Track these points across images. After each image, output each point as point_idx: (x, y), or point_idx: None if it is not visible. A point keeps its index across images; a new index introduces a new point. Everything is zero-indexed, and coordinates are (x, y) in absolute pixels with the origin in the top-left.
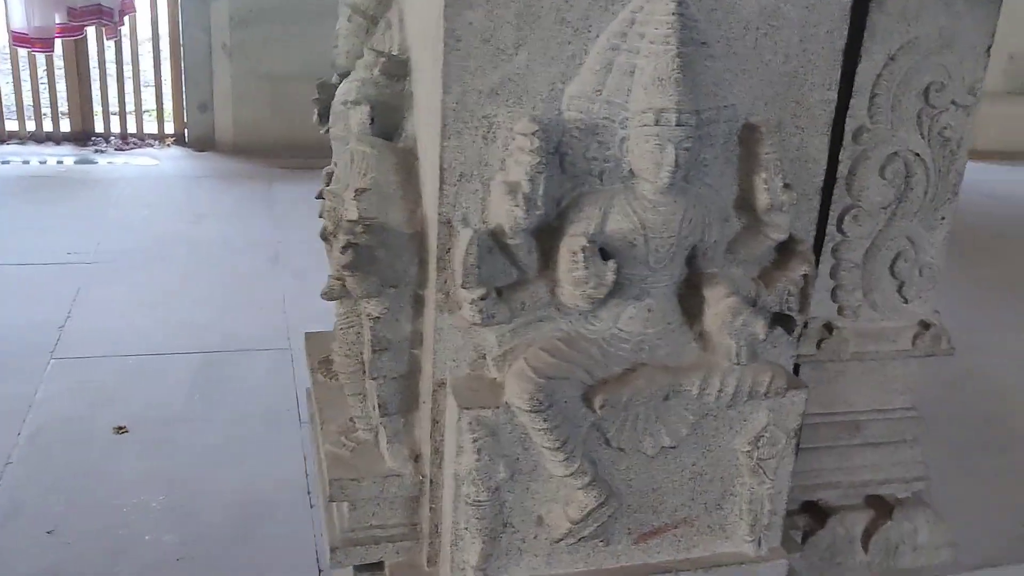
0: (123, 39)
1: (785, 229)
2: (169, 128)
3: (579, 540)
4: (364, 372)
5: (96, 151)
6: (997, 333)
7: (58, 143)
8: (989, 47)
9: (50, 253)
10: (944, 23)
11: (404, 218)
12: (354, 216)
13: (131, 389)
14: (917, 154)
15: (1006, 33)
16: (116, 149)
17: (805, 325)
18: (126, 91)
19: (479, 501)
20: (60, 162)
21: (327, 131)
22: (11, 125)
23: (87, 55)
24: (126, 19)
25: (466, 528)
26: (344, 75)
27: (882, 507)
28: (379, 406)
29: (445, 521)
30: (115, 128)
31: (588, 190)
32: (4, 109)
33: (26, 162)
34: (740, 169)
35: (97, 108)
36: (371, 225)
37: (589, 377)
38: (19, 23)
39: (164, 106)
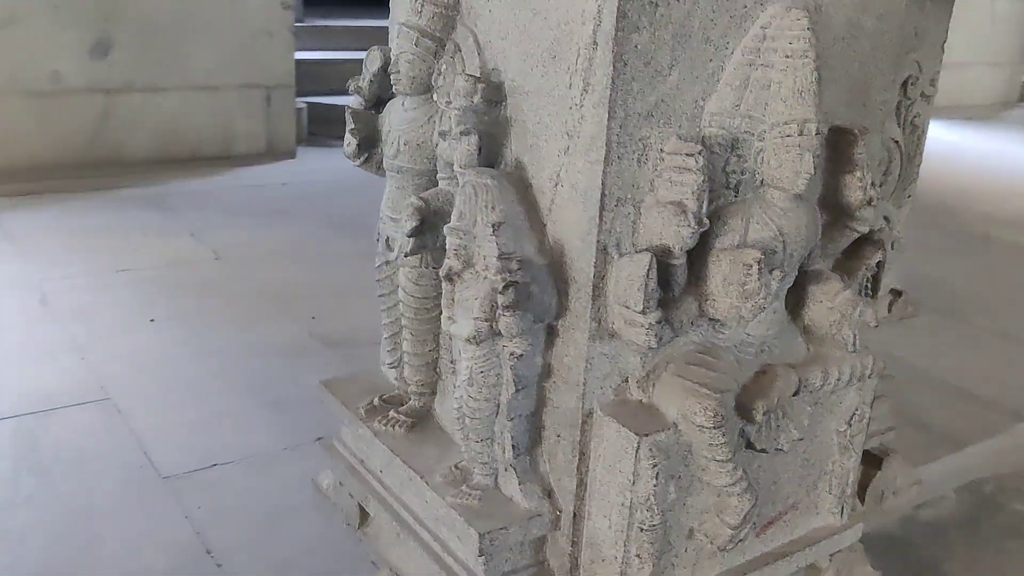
0: None
1: (872, 223)
2: None
3: (737, 544)
4: (497, 414)
5: None
6: None
7: None
8: (944, 42)
9: None
10: (918, 22)
11: (535, 249)
12: (494, 252)
13: None
14: (896, 141)
15: None
16: None
17: None
18: None
19: (653, 526)
20: None
21: (364, 162)
22: None
23: None
24: None
25: (638, 555)
26: (376, 102)
27: (870, 459)
28: (513, 447)
29: (606, 551)
30: None
31: (724, 203)
32: None
33: None
34: (827, 170)
35: None
36: (522, 260)
37: (736, 386)
38: None
39: None
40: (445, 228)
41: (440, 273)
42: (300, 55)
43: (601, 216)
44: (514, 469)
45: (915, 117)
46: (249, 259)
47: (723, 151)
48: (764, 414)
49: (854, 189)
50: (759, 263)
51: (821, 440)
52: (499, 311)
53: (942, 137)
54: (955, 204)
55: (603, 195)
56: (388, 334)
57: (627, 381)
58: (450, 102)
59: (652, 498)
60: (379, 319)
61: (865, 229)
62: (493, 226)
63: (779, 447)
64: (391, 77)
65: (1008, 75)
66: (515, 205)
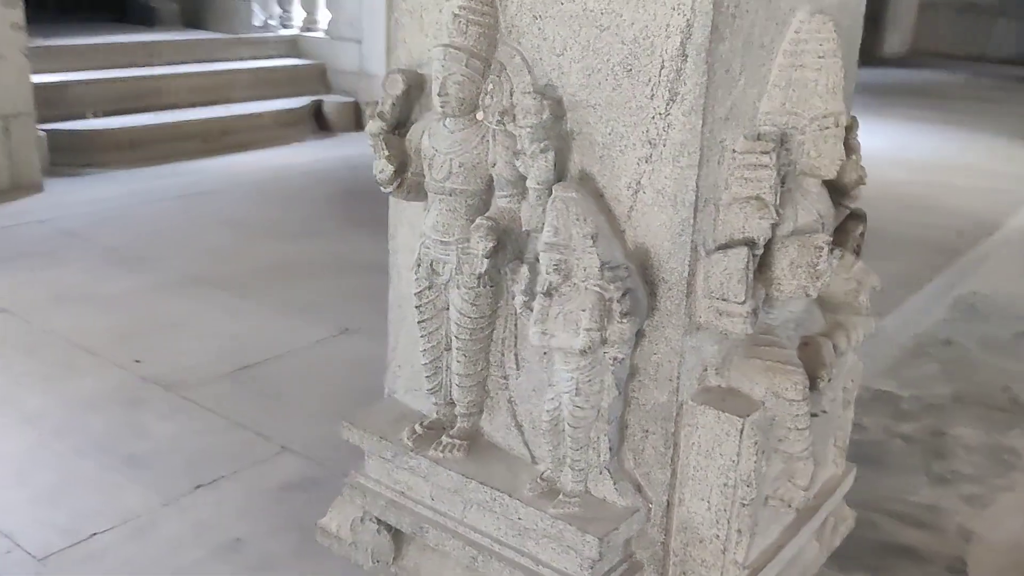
0: None
1: (859, 199)
2: None
3: (806, 503)
4: (597, 420)
5: None
6: None
7: None
8: None
9: None
10: None
11: (623, 254)
12: (596, 263)
13: None
14: None
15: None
16: None
17: None
18: None
19: (752, 500)
20: None
21: (397, 187)
22: None
23: None
24: None
25: (738, 530)
26: (396, 124)
27: None
28: (609, 448)
29: (705, 532)
30: None
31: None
32: None
33: None
34: None
35: None
36: (628, 267)
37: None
38: None
39: None
40: (542, 244)
41: (538, 290)
42: (35, 79)
43: (695, 217)
44: (608, 470)
45: None
46: (35, 307)
47: (776, 147)
48: (828, 382)
49: (850, 171)
50: (828, 245)
51: (835, 399)
52: (616, 319)
53: None
54: None
55: (697, 196)
56: (428, 359)
57: (706, 370)
58: (500, 121)
59: (752, 474)
60: (209, 353)
61: (853, 205)
62: (592, 237)
63: (824, 409)
64: (438, 99)
65: None
66: (600, 215)
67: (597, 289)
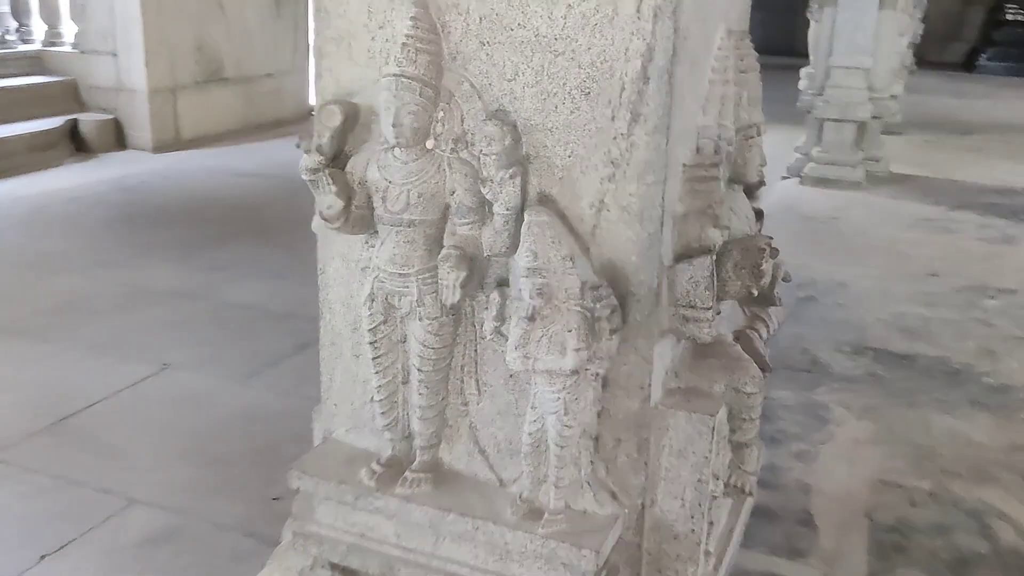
0: None
1: (759, 199)
2: None
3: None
4: (582, 436)
5: None
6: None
7: None
8: None
9: None
10: None
11: (592, 271)
12: (576, 284)
13: None
14: None
15: (194, 27)
16: None
17: None
18: None
19: (720, 492)
20: None
21: (344, 222)
22: None
23: None
24: None
25: (710, 522)
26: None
27: None
28: (590, 462)
29: (680, 528)
30: None
31: None
32: None
33: None
34: None
35: None
36: (603, 286)
37: None
38: None
39: None
40: (522, 270)
41: (520, 314)
42: None
43: (661, 231)
44: (588, 483)
45: None
46: None
47: (721, 159)
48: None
49: (754, 171)
50: (769, 246)
51: None
52: (605, 336)
53: None
54: None
55: (663, 212)
56: (384, 395)
57: (666, 374)
58: (454, 149)
59: (719, 468)
60: (16, 408)
61: (758, 205)
62: (571, 259)
63: None
64: (392, 130)
65: None
66: (568, 236)
67: (579, 309)
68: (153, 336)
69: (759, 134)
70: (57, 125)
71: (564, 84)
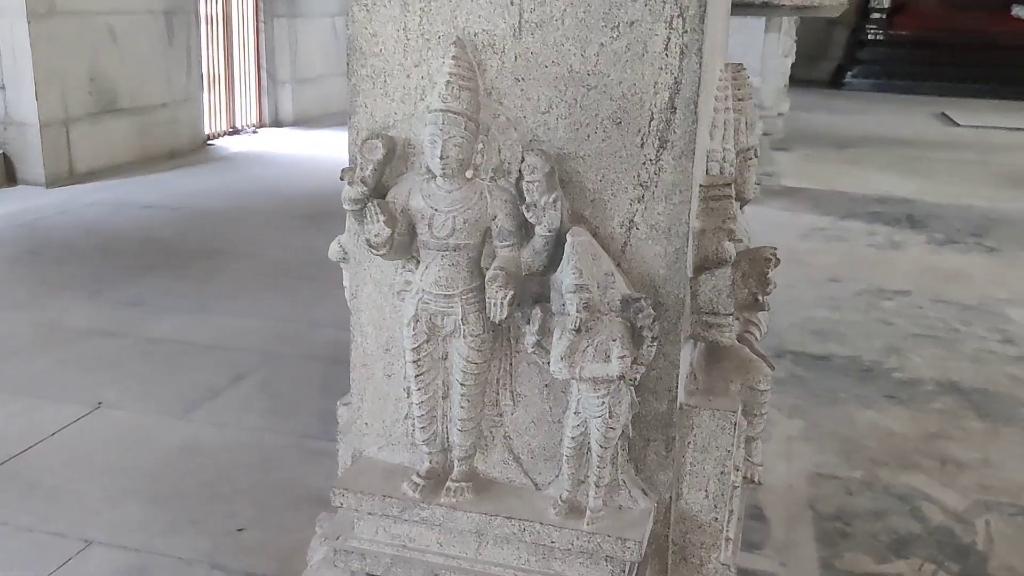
0: None
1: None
2: None
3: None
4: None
5: None
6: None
7: None
8: None
9: None
10: None
11: (625, 284)
12: (617, 296)
13: None
14: None
15: (86, 57)
16: None
17: None
18: None
19: (739, 482)
20: None
21: (390, 250)
22: None
23: None
24: None
25: (731, 511)
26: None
27: None
28: (627, 460)
29: (704, 518)
30: None
31: None
32: None
33: None
34: None
35: None
36: (643, 298)
37: None
38: None
39: None
40: (570, 286)
41: (569, 327)
42: None
43: (687, 245)
44: (624, 481)
45: None
46: None
47: (733, 180)
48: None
49: (751, 191)
50: (775, 256)
51: None
52: (647, 342)
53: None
54: None
55: (688, 229)
56: (424, 411)
57: (687, 377)
58: (493, 177)
59: (738, 461)
60: None
61: None
62: (611, 274)
63: None
64: (439, 162)
65: None
66: (604, 253)
67: (621, 320)
68: (79, 375)
69: (756, 156)
70: None
71: (596, 115)
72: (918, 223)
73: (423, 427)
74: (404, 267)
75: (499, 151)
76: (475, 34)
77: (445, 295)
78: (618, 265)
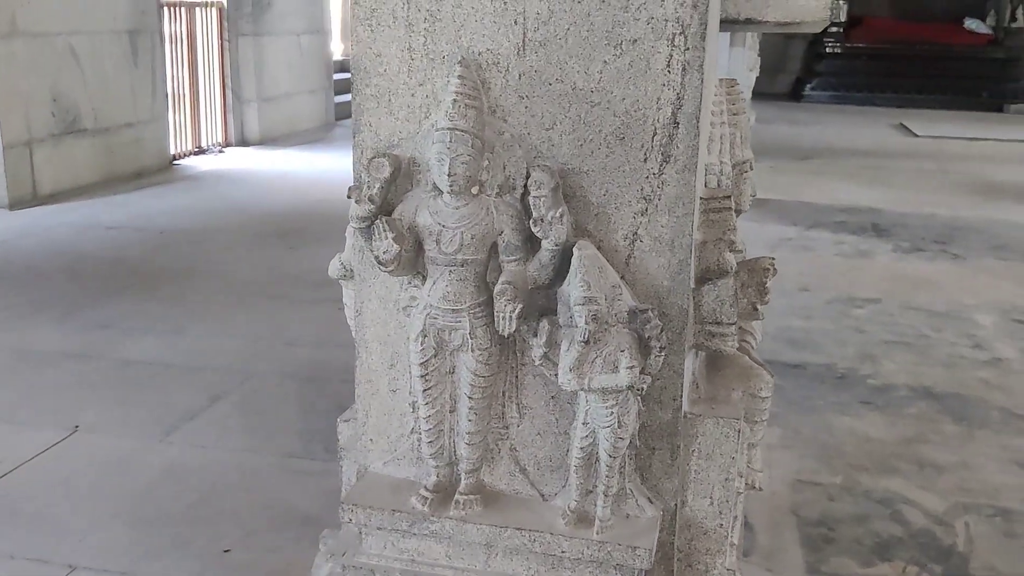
0: None
1: None
2: None
3: None
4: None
5: None
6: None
7: None
8: None
9: None
10: None
11: (630, 295)
12: (624, 308)
13: None
14: None
15: (48, 78)
16: None
17: None
18: None
19: (743, 488)
20: None
21: (398, 266)
22: None
23: None
24: None
25: (735, 516)
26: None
27: None
28: (635, 469)
29: (709, 524)
30: None
31: None
32: None
33: None
34: None
35: None
36: (649, 309)
37: None
38: None
39: None
40: (578, 298)
41: (577, 338)
42: None
43: (691, 257)
44: (631, 490)
45: None
46: None
47: (731, 192)
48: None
49: (747, 204)
50: (774, 267)
51: None
52: (655, 352)
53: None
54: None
55: (691, 241)
56: (432, 424)
57: (689, 386)
58: (499, 193)
59: (741, 467)
60: None
61: None
62: (617, 286)
63: None
64: (447, 179)
65: (323, 100)
66: (609, 265)
67: (628, 331)
68: (54, 399)
69: (751, 168)
70: None
71: (600, 131)
72: (884, 232)
73: (430, 441)
74: (410, 283)
75: (504, 167)
76: (479, 53)
77: (453, 310)
78: (622, 277)
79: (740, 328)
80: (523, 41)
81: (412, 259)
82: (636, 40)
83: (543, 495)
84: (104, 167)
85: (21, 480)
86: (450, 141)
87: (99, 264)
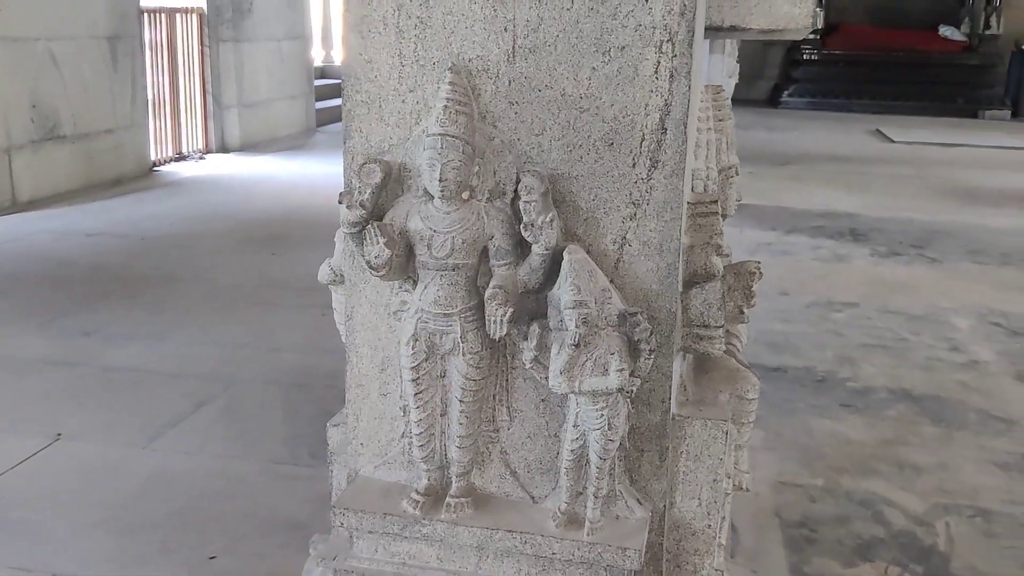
0: None
1: None
2: None
3: None
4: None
5: None
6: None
7: None
8: None
9: None
10: None
11: (619, 299)
12: (615, 311)
13: None
14: None
15: (27, 84)
16: None
17: None
18: None
19: (731, 489)
20: None
21: (389, 271)
22: None
23: None
24: None
25: (723, 517)
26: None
27: None
28: (625, 471)
29: (697, 525)
30: None
31: None
32: None
33: None
34: None
35: None
36: (639, 312)
37: None
38: None
39: None
40: (568, 302)
41: (568, 342)
42: None
43: (679, 261)
44: (621, 492)
45: None
46: None
47: (719, 197)
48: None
49: (733, 208)
50: (759, 270)
51: None
52: (644, 355)
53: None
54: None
55: (680, 245)
56: (423, 428)
57: (677, 388)
58: (489, 198)
59: (729, 468)
60: None
61: None
62: (607, 290)
63: None
64: (438, 185)
65: (304, 106)
66: (598, 269)
67: (618, 334)
68: (36, 407)
69: (737, 174)
70: None
71: (589, 137)
72: (861, 236)
73: (421, 445)
74: (401, 287)
75: (494, 173)
76: (470, 59)
77: (444, 314)
78: (612, 281)
79: (727, 331)
80: (513, 48)
81: (403, 264)
82: (624, 47)
83: (533, 497)
84: (84, 174)
85: (4, 488)
86: (441, 147)
87: (81, 271)
